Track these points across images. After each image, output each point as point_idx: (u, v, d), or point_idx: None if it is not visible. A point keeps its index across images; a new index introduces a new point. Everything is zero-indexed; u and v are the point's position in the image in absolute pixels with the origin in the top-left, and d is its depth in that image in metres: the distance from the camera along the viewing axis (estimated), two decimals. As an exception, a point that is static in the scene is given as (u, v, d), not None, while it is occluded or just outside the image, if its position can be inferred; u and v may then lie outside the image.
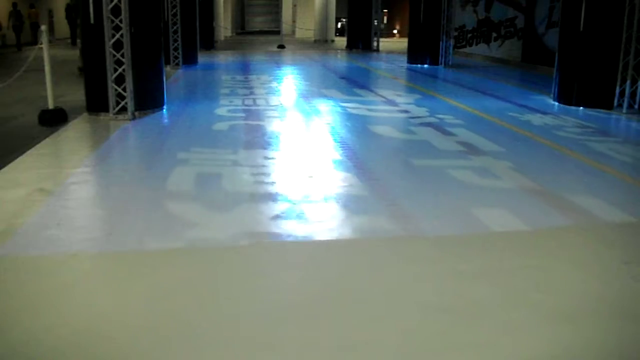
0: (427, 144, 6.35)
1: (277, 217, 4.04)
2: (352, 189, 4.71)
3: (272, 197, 4.44)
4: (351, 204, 4.35)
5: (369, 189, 4.71)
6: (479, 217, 4.10)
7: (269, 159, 5.60)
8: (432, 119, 7.78)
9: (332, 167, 5.43)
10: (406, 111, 8.52)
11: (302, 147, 6.26)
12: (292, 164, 5.51)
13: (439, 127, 7.23)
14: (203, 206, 4.24)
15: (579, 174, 5.41)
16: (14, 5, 19.23)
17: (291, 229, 3.84)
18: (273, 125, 7.23)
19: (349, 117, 7.89)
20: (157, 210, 4.14)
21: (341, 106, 8.68)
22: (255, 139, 6.44)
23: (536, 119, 7.91)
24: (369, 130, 7.10)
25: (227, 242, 3.62)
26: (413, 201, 4.45)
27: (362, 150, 6.11)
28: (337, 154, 5.90)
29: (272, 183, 4.81)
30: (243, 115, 7.83)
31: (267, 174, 5.06)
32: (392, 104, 9.17)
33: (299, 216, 4.05)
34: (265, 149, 5.99)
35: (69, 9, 11.15)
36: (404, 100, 9.66)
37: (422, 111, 8.45)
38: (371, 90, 10.78)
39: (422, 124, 7.45)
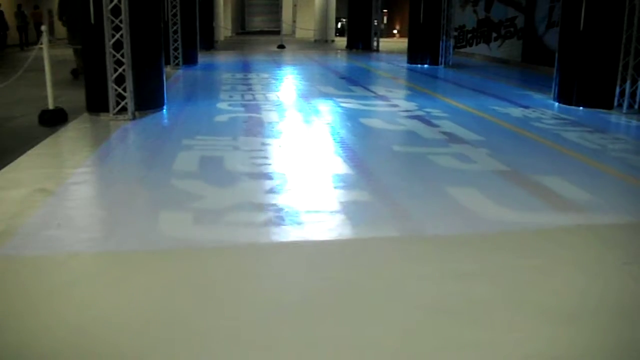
0: (412, 134, 6.91)
1: (271, 190, 4.63)
2: (338, 168, 5.36)
3: (267, 176, 5.02)
4: (336, 180, 4.96)
5: (355, 169, 5.28)
6: (449, 193, 4.57)
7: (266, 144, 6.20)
8: (420, 112, 8.30)
9: (324, 154, 5.98)
10: (396, 105, 9.02)
11: (300, 139, 6.38)
12: (289, 149, 6.11)
13: (424, 120, 7.74)
14: (207, 182, 4.75)
15: (548, 158, 5.91)
16: (19, 6, 19.89)
17: (283, 199, 4.42)
18: (271, 118, 7.46)
19: (346, 113, 7.93)
20: (166, 188, 4.63)
21: (340, 105, 8.69)
22: (255, 128, 6.71)
23: (534, 117, 7.92)
24: (360, 123, 7.54)
25: (228, 212, 4.11)
26: (391, 178, 5.08)
27: (353, 140, 6.50)
28: (332, 146, 6.26)
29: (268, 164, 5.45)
30: (242, 109, 8.04)
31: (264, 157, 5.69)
32: (385, 100, 9.51)
33: (290, 189, 4.66)
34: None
35: (61, 10, 11.42)
36: (396, 96, 9.95)
37: (411, 105, 8.97)
38: (369, 89, 10.78)
39: (410, 117, 7.95)
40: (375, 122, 7.57)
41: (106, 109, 7.36)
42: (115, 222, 3.94)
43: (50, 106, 7.13)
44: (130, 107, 7.37)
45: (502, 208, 4.29)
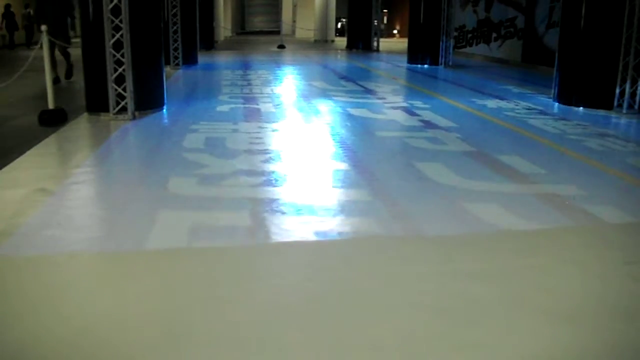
0: (394, 123, 7.72)
1: (266, 160, 5.53)
2: (324, 146, 6.28)
3: (263, 151, 5.94)
4: (321, 154, 5.95)
5: (340, 148, 6.14)
6: (417, 167, 5.33)
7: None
8: (405, 104, 8.93)
9: (315, 139, 6.80)
10: (383, 98, 9.59)
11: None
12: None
13: (409, 111, 8.35)
14: (212, 155, 5.68)
15: (514, 142, 6.61)
16: (26, 6, 20.59)
17: (276, 167, 5.33)
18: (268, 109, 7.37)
19: (345, 112, 7.92)
20: (176, 160, 5.41)
21: (339, 105, 8.71)
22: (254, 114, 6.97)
23: (537, 120, 7.94)
24: (350, 114, 8.21)
25: (228, 177, 4.97)
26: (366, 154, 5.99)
27: (344, 130, 6.95)
28: (325, 135, 6.91)
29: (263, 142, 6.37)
30: (242, 107, 8.00)
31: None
32: (379, 97, 9.69)
33: (282, 159, 5.65)
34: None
35: (38, 15, 11.39)
36: (391, 93, 10.20)
37: (399, 99, 9.54)
38: (366, 88, 10.78)
39: (393, 107, 8.61)
40: (364, 112, 8.28)
41: (106, 109, 7.36)
42: (115, 222, 3.93)
43: (50, 106, 7.13)
44: (130, 107, 7.37)
45: (457, 176, 5.11)
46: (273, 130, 6.96)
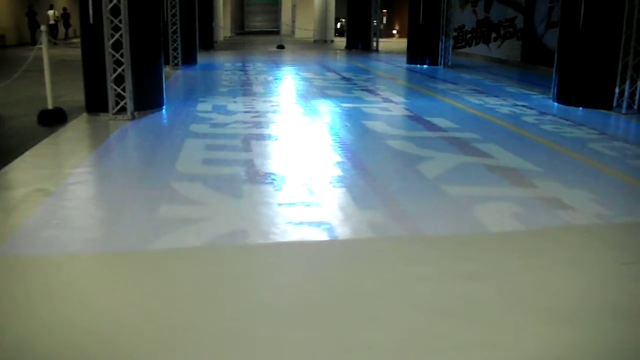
0: (392, 120, 7.65)
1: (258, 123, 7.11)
2: (324, 147, 6.41)
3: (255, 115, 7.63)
4: (320, 155, 6.11)
5: (339, 148, 6.29)
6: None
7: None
8: (403, 104, 8.46)
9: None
10: (371, 91, 9.79)
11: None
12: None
13: (407, 110, 8.36)
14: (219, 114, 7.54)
15: (515, 142, 6.68)
16: (30, 6, 21.89)
17: (267, 129, 6.81)
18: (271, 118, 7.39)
19: (343, 111, 7.93)
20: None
21: (338, 105, 8.72)
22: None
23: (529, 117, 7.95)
24: (343, 108, 8.54)
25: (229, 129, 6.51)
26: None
27: (343, 130, 6.65)
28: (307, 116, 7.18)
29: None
30: (243, 106, 7.93)
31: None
32: (373, 94, 9.77)
33: (273, 121, 7.36)
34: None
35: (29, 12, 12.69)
36: (390, 93, 10.12)
37: (398, 99, 9.44)
38: (367, 89, 10.79)
39: (392, 107, 7.90)
40: (355, 105, 8.84)
41: (105, 109, 7.36)
42: (114, 222, 3.93)
43: (50, 106, 7.13)
44: (130, 107, 7.37)
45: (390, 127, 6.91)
46: (272, 127, 7.04)
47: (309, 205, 4.28)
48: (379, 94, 10.21)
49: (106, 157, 5.76)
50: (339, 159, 5.66)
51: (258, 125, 7.19)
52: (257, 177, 4.96)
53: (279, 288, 3.10)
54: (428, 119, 7.80)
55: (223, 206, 4.26)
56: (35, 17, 21.77)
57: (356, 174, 5.10)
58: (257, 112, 8.12)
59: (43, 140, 6.21)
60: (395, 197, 4.50)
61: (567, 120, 7.87)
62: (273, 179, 4.88)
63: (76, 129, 6.89)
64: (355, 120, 7.63)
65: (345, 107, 8.70)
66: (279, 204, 4.29)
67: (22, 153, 5.59)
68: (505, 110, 8.65)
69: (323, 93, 10.23)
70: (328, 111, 8.37)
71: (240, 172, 5.10)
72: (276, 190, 4.61)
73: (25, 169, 5.17)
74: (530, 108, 8.81)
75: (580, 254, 3.60)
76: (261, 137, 6.52)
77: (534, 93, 10.52)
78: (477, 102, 9.41)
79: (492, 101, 9.49)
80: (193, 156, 5.61)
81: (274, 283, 3.15)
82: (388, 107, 8.81)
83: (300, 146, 6.30)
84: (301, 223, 3.92)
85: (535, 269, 3.34)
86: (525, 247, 3.67)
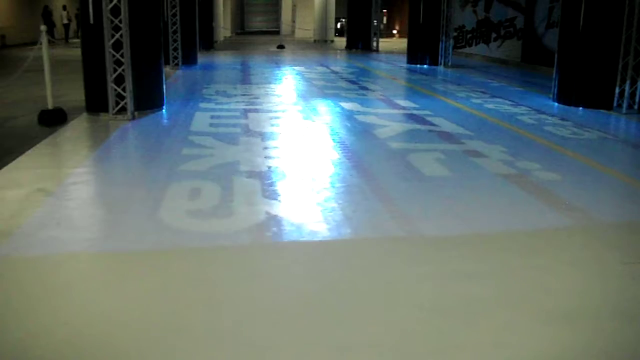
0: (391, 119, 7.31)
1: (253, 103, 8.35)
2: (324, 146, 6.51)
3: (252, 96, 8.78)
4: (321, 154, 6.01)
5: (339, 148, 6.34)
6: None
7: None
8: (403, 104, 8.33)
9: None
10: (364, 87, 10.04)
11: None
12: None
13: (406, 110, 8.23)
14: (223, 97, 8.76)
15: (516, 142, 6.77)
16: (45, 7, 22.71)
17: (262, 107, 8.00)
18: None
19: (342, 110, 7.93)
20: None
21: (339, 106, 8.72)
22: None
23: (527, 118, 7.95)
24: (341, 106, 8.64)
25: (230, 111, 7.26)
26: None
27: (343, 130, 6.61)
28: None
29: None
30: (242, 107, 7.93)
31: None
32: (368, 90, 9.95)
33: (268, 101, 8.68)
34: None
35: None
36: (389, 92, 10.18)
37: (396, 98, 9.22)
38: (367, 88, 10.79)
39: (391, 106, 7.83)
40: (351, 103, 8.94)
41: (105, 109, 7.36)
42: (114, 222, 3.93)
43: (50, 106, 7.13)
44: (130, 107, 7.37)
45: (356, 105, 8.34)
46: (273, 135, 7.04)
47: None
48: (378, 93, 10.21)
49: (106, 157, 5.76)
50: (332, 143, 5.68)
51: (257, 122, 7.21)
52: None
53: (279, 288, 3.10)
54: (429, 119, 7.81)
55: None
56: (51, 17, 22.64)
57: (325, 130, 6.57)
58: (257, 110, 8.13)
59: (43, 140, 6.20)
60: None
61: (567, 120, 7.88)
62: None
63: (76, 129, 6.89)
64: (355, 121, 7.63)
65: (344, 106, 8.68)
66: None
67: (22, 153, 5.59)
68: (505, 110, 8.65)
69: (323, 93, 10.23)
70: (327, 111, 8.37)
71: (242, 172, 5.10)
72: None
73: (26, 168, 5.17)
74: (530, 108, 8.81)
75: (580, 254, 3.60)
76: (259, 135, 6.54)
77: (533, 92, 10.51)
78: (477, 102, 9.41)
79: (492, 101, 9.49)
80: (193, 156, 5.61)
81: (274, 283, 3.15)
82: (384, 103, 8.82)
83: (299, 146, 6.30)
84: (275, 157, 5.69)
85: (535, 269, 3.34)
86: (525, 247, 3.67)
